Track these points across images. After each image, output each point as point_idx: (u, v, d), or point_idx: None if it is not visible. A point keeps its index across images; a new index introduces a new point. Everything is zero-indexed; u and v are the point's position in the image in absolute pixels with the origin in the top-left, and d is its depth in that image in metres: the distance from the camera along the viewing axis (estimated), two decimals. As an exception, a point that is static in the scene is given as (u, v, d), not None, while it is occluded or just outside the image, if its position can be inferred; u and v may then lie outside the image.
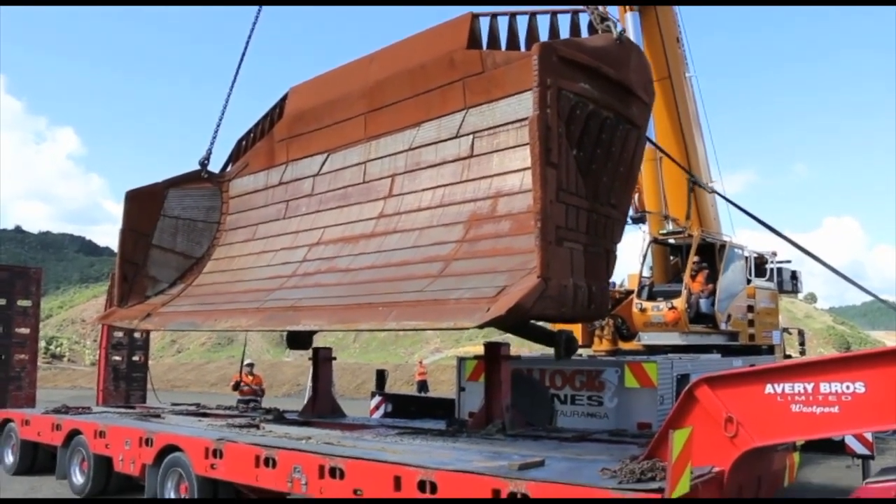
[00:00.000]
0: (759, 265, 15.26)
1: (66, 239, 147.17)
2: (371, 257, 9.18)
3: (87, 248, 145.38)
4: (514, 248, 7.38)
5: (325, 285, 9.41)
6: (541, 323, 9.33)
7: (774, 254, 15.92)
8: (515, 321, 6.65)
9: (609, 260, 6.88)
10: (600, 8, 7.27)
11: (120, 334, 16.79)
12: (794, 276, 16.78)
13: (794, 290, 17.31)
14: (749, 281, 14.57)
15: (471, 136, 8.69)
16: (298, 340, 12.12)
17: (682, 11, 15.19)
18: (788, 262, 16.66)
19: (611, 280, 8.30)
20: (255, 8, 12.66)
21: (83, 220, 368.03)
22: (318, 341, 12.54)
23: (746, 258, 14.67)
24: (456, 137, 8.87)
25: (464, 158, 8.72)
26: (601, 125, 6.67)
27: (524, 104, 8.02)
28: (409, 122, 9.48)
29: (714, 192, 8.59)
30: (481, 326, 6.53)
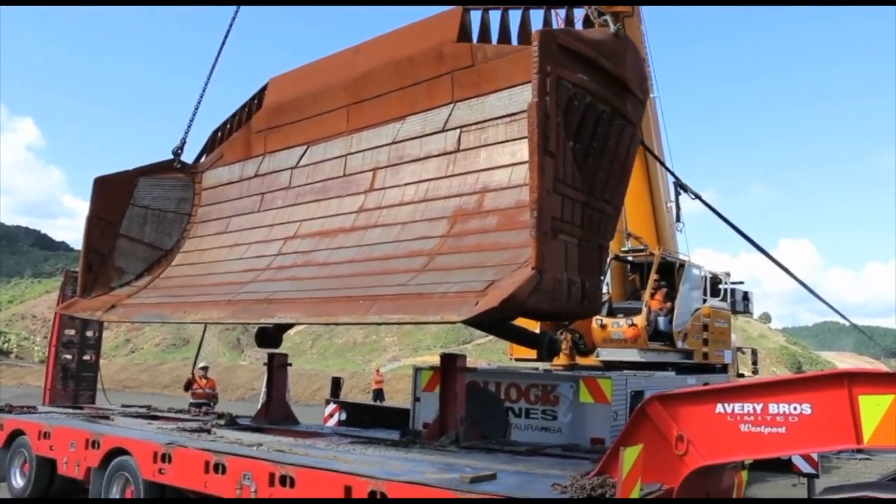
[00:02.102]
0: (714, 285, 15.57)
1: (21, 232, 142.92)
2: (350, 251, 8.96)
3: (43, 242, 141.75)
4: (501, 243, 7.25)
5: (301, 279, 9.16)
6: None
7: (728, 274, 16.28)
8: (509, 314, 6.51)
9: (602, 256, 6.78)
10: None
11: (71, 332, 16.22)
12: (745, 296, 17.21)
13: (746, 311, 17.76)
14: (705, 300, 14.84)
15: (458, 131, 8.54)
16: (268, 338, 11.83)
17: (649, 29, 15.33)
18: (741, 283, 17.11)
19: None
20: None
21: (40, 213, 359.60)
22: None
23: (704, 278, 14.91)
24: (442, 132, 8.71)
25: (450, 153, 8.56)
26: (598, 118, 6.57)
27: (515, 99, 7.93)
28: (394, 115, 9.29)
29: (698, 197, 8.53)
30: (469, 321, 6.36)
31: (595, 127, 6.55)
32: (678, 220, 9.11)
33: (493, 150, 8.10)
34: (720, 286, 15.76)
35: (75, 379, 16.33)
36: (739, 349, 18.28)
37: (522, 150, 7.67)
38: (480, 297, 6.30)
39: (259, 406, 12.63)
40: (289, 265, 9.64)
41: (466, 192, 8.14)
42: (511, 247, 7.00)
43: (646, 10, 14.92)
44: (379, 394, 33.62)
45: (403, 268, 7.92)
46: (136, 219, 11.54)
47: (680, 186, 8.40)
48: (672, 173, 8.43)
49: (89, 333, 16.57)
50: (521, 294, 5.71)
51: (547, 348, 8.17)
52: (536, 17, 8.14)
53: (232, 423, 11.10)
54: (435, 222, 8.23)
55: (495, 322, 7.53)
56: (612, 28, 6.96)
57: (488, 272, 6.80)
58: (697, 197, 8.66)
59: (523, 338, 8.50)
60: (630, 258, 14.98)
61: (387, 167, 9.27)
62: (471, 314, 6.19)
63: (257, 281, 9.71)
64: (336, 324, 8.66)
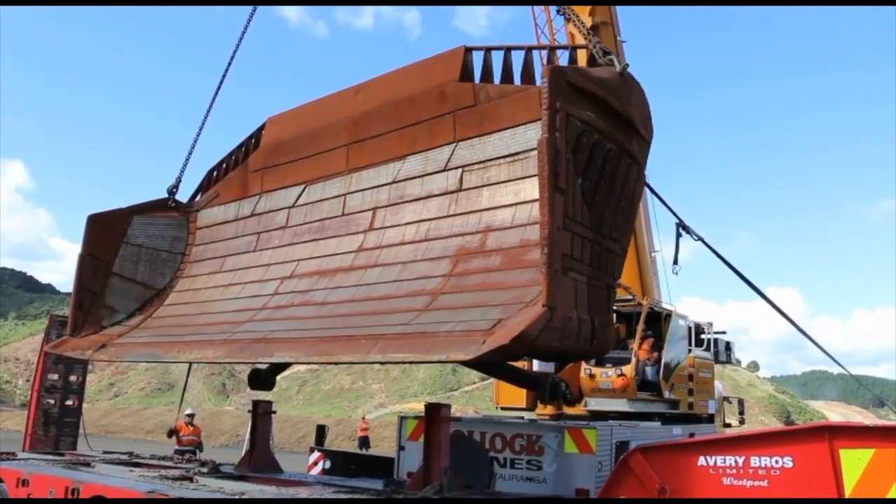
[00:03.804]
0: (697, 335, 15.62)
1: (6, 273, 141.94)
2: (350, 291, 8.83)
3: (28, 284, 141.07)
4: (506, 282, 7.15)
5: (299, 318, 9.00)
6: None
7: (711, 324, 16.34)
8: (517, 353, 6.38)
9: (610, 296, 6.68)
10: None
11: (55, 377, 16.01)
12: (728, 346, 17.30)
13: (728, 361, 17.81)
14: (690, 350, 14.90)
15: (460, 170, 8.51)
16: (261, 381, 11.63)
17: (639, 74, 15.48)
18: (723, 332, 17.12)
19: None
20: (237, 34, 12.45)
21: (27, 255, 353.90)
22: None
23: (689, 328, 14.95)
24: (444, 171, 8.67)
25: (452, 192, 8.51)
26: (605, 156, 6.55)
27: (518, 138, 7.92)
28: (394, 154, 9.26)
29: (701, 239, 8.52)
30: (476, 360, 6.21)
31: (603, 165, 6.53)
32: (675, 262, 9.13)
33: (495, 189, 8.05)
34: (703, 336, 15.81)
35: (57, 424, 16.06)
36: (726, 399, 18.32)
37: (525, 190, 7.65)
38: (487, 336, 6.17)
39: (243, 453, 12.41)
40: (286, 305, 9.49)
41: (469, 232, 8.07)
42: (516, 286, 6.90)
43: (631, 58, 15.12)
44: (365, 441, 33.33)
45: (405, 307, 7.78)
46: (129, 257, 11.37)
47: (683, 228, 8.37)
48: (675, 214, 8.41)
49: (73, 378, 16.35)
50: (533, 331, 5.59)
51: (550, 391, 8.04)
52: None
53: (215, 470, 10.94)
54: (437, 262, 8.14)
55: (498, 363, 7.39)
56: (618, 67, 6.97)
57: (494, 311, 6.69)
58: (700, 239, 8.64)
59: (525, 380, 8.38)
60: (616, 308, 14.98)
61: (387, 206, 9.20)
62: (478, 353, 6.04)
63: (253, 321, 9.55)
64: (337, 363, 8.56)
